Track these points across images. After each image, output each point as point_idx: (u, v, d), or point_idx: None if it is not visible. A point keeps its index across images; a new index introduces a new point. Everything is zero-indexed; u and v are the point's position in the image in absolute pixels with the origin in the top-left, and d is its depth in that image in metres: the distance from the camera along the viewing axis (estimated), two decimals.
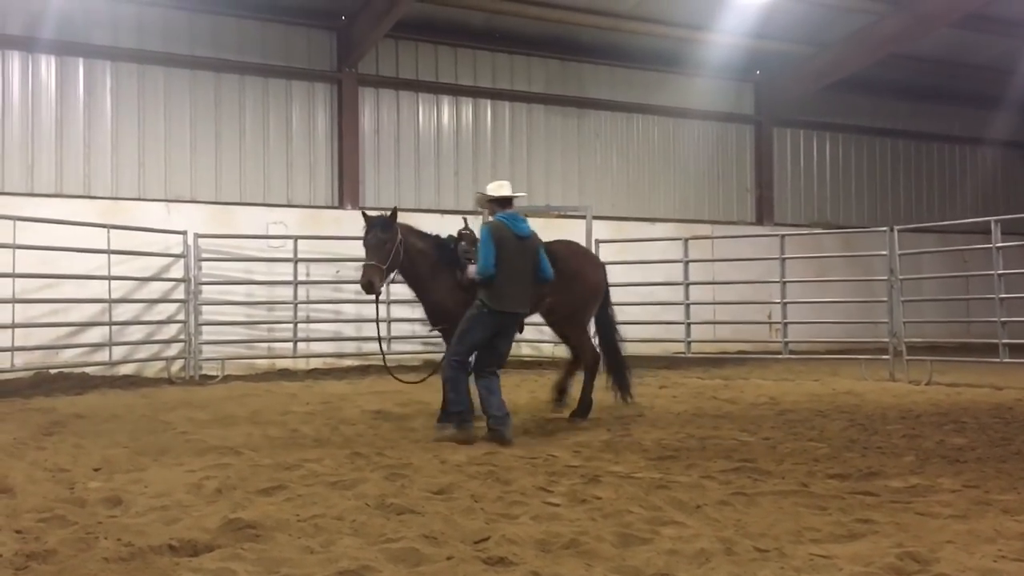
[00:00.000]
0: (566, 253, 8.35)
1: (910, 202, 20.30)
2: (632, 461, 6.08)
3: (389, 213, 7.56)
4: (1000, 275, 11.46)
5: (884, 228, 12.91)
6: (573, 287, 8.13)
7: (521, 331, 7.44)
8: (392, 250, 7.44)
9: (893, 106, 19.91)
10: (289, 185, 14.73)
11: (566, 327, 8.41)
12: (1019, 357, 11.58)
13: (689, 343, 14.26)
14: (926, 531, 4.17)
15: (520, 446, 6.73)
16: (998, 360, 11.48)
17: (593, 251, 12.65)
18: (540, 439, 7.09)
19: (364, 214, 7.74)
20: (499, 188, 7.51)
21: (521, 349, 14.10)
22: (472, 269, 7.25)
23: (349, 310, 14.13)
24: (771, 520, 4.39)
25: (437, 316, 7.79)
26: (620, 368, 8.71)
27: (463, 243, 7.66)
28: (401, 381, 8.52)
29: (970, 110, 20.53)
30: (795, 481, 5.34)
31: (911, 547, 3.84)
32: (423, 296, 7.83)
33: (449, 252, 7.69)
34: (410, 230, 7.78)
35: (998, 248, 11.44)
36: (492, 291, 7.07)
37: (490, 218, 7.36)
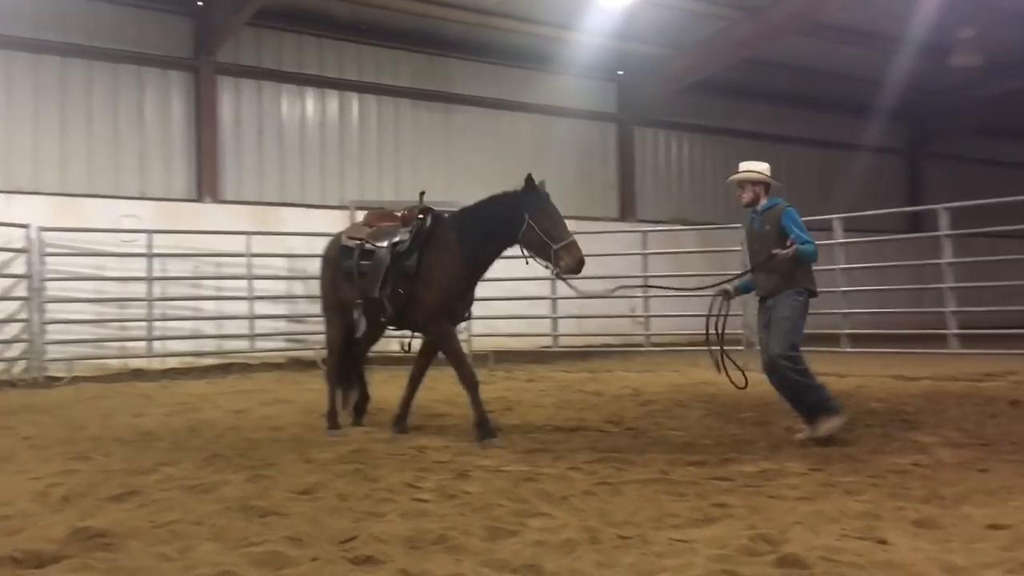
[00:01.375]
0: None
1: None
2: (501, 455, 6.12)
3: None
4: (842, 269, 12.21)
5: (737, 225, 13.47)
6: None
7: None
8: None
9: (746, 109, 20.83)
10: (143, 176, 14.08)
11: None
12: (860, 346, 12.37)
13: (556, 337, 14.50)
14: (776, 513, 4.38)
15: (387, 442, 6.67)
16: (841, 349, 12.23)
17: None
18: (409, 434, 7.03)
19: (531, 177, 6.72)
20: (770, 170, 6.86)
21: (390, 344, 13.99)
22: (779, 251, 6.41)
23: (208, 307, 13.65)
24: (634, 508, 4.51)
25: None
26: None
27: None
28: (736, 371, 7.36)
29: (817, 114, 21.78)
30: (656, 469, 5.51)
31: (763, 529, 4.02)
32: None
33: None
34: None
35: (840, 244, 12.17)
36: (809, 272, 6.62)
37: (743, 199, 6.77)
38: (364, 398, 7.79)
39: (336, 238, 7.77)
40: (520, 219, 6.59)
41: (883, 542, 3.81)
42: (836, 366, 12.09)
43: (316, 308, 14.31)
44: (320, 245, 14.03)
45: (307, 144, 15.57)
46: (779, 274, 6.54)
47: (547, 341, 14.65)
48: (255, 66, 15.06)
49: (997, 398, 8.67)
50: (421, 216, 7.11)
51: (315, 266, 14.20)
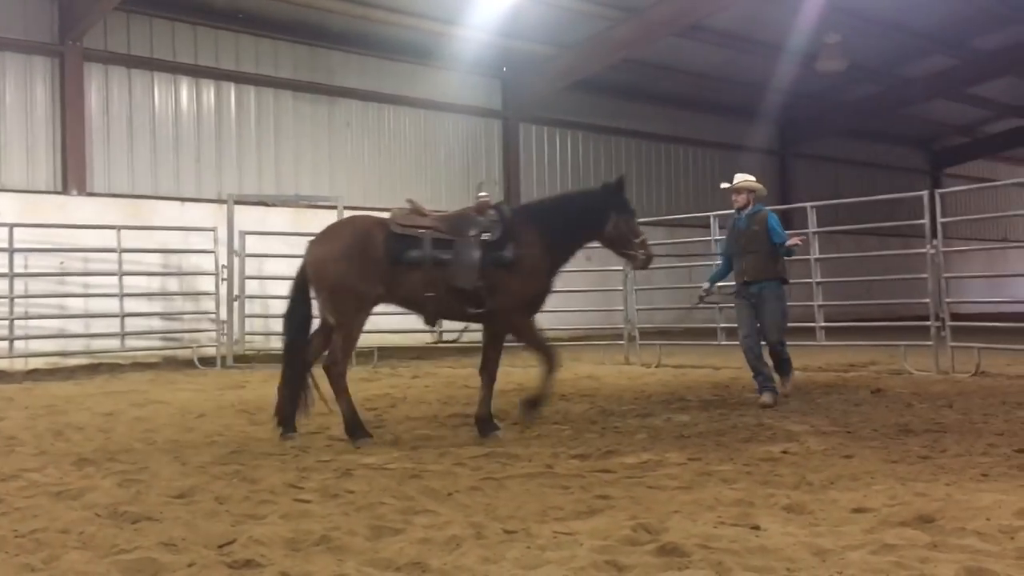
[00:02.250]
0: None
1: (642, 197, 21.78)
2: (385, 452, 6.06)
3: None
4: (718, 264, 12.61)
5: None
6: None
7: None
8: None
9: (631, 108, 21.32)
10: (3, 167, 13.28)
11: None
12: (733, 340, 12.81)
13: (440, 333, 14.44)
14: (656, 503, 4.49)
15: (268, 443, 6.50)
16: (716, 343, 12.66)
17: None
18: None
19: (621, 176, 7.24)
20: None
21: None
22: (794, 241, 8.23)
23: (75, 304, 12.99)
24: (519, 502, 4.55)
25: None
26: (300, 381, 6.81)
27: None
28: None
29: (696, 115, 22.56)
30: (541, 463, 5.57)
31: (644, 519, 4.11)
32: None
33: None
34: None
35: (716, 240, 12.59)
36: (785, 264, 8.19)
37: (739, 205, 8.41)
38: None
39: (358, 226, 6.85)
40: (606, 216, 7.02)
41: (756, 528, 3.96)
42: (711, 358, 12.54)
43: (191, 305, 13.94)
44: (196, 240, 13.70)
45: (182, 135, 15.01)
46: (767, 263, 8.09)
47: (432, 337, 14.59)
48: (125, 53, 14.40)
49: (860, 387, 9.17)
50: (497, 209, 6.95)
51: (191, 261, 13.85)
